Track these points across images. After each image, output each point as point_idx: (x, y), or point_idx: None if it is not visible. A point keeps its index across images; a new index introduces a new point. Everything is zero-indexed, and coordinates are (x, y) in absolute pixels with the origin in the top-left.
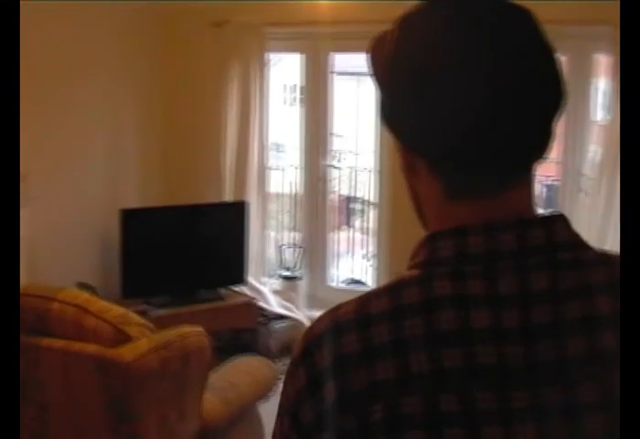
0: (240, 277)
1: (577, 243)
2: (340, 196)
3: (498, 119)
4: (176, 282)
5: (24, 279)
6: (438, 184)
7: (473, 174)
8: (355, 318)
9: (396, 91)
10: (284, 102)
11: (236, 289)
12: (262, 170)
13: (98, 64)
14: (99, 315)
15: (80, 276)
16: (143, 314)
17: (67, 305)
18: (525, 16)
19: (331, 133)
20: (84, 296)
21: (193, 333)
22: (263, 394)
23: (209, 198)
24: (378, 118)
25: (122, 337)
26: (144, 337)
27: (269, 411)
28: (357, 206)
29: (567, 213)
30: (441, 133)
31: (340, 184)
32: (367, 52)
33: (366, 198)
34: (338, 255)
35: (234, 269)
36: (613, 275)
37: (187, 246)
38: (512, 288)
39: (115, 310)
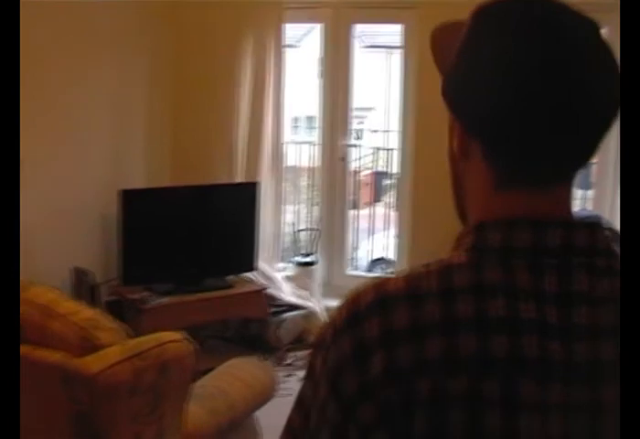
0: (249, 264)
1: (612, 251)
2: (368, 173)
3: (564, 111)
4: (181, 268)
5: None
6: (490, 171)
7: (528, 163)
8: (405, 295)
9: (468, 73)
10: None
11: (246, 277)
12: (278, 147)
13: (104, 34)
14: (65, 318)
15: (78, 261)
16: (143, 302)
17: (31, 305)
18: (595, 26)
19: (352, 109)
20: (50, 295)
21: (173, 339)
22: (260, 403)
23: (221, 178)
24: (441, 97)
25: (91, 344)
26: (115, 343)
27: (269, 418)
28: (387, 182)
29: None
30: (505, 117)
31: (361, 161)
32: (434, 36)
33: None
34: (370, 232)
35: (244, 255)
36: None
37: (193, 230)
38: (555, 286)
39: (84, 312)
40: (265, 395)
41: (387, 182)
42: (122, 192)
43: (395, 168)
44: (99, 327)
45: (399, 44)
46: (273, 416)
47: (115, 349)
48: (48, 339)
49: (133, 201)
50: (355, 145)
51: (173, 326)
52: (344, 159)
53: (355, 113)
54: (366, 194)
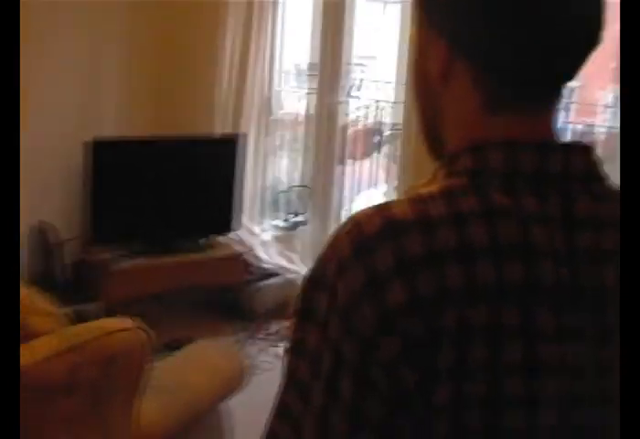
0: (227, 225)
1: (605, 176)
2: (363, 126)
3: (556, 27)
4: (152, 228)
5: None
6: (480, 94)
7: (523, 83)
8: (414, 220)
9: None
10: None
11: (227, 238)
12: (266, 98)
13: None
14: None
15: (43, 215)
16: (109, 264)
17: None
18: None
19: (349, 64)
20: None
21: (121, 327)
22: (226, 394)
23: (203, 130)
24: (425, 13)
25: (21, 334)
26: (51, 332)
27: (239, 409)
28: (381, 137)
29: None
30: (500, 33)
31: (358, 111)
32: None
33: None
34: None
35: (222, 215)
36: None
37: (167, 186)
38: (559, 210)
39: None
40: (232, 384)
41: (386, 133)
42: (91, 143)
43: (391, 120)
44: (32, 312)
45: None
46: (244, 407)
47: (49, 340)
48: None
49: (101, 152)
50: (354, 97)
51: (140, 290)
52: (339, 111)
53: (356, 61)
54: (360, 146)
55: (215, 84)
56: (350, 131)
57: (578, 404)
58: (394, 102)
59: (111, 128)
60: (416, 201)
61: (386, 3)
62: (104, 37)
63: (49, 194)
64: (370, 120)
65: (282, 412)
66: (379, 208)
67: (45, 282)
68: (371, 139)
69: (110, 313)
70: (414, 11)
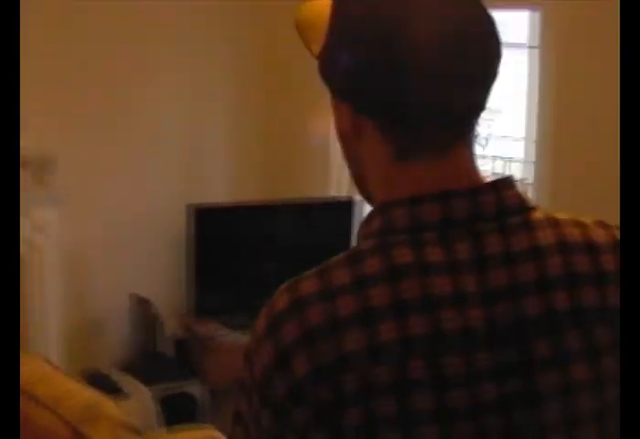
0: None
1: (525, 207)
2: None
3: (449, 74)
4: (261, 298)
5: (65, 293)
6: (387, 146)
7: (425, 128)
8: (317, 291)
9: (345, 50)
10: None
11: None
12: None
13: (179, 24)
14: (51, 408)
15: (136, 287)
16: (211, 338)
17: None
18: None
19: None
20: (37, 370)
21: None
22: None
23: (316, 193)
24: (325, 79)
25: None
26: None
27: None
28: None
29: None
30: (395, 90)
31: (484, 167)
32: (298, 19)
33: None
34: None
35: None
36: (561, 236)
37: (276, 254)
38: (469, 254)
39: (78, 396)
40: None
41: None
42: (193, 209)
43: (520, 176)
44: (95, 419)
45: (525, 40)
46: None
47: None
48: (32, 434)
49: (205, 219)
50: (480, 156)
51: None
52: None
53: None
54: None
55: (330, 142)
56: None
57: None
58: (524, 161)
59: (218, 191)
60: (322, 272)
61: (515, 49)
62: (208, 102)
63: (150, 263)
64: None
65: None
66: (289, 285)
67: (147, 357)
68: None
69: (215, 394)
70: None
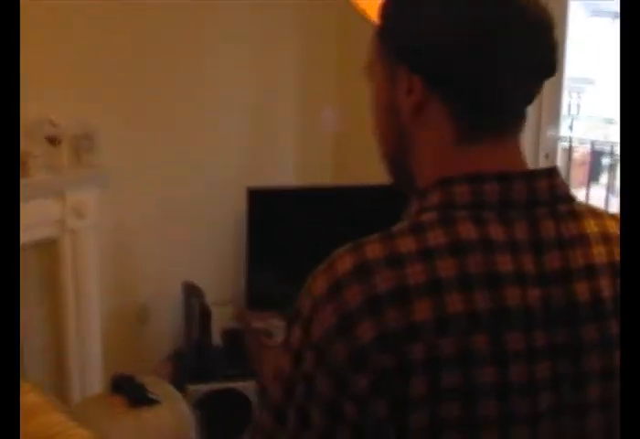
0: None
1: (571, 196)
2: (581, 153)
3: (522, 61)
4: None
5: (111, 280)
6: (451, 125)
7: (493, 113)
8: (384, 257)
9: (429, 22)
10: None
11: None
12: None
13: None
14: None
15: (190, 275)
16: (268, 334)
17: None
18: None
19: (563, 86)
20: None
21: None
22: None
23: (381, 179)
24: (397, 54)
25: None
26: None
27: None
28: (605, 161)
29: None
30: (476, 74)
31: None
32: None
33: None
34: None
35: None
36: (602, 227)
37: (340, 243)
38: (526, 235)
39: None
40: None
41: (605, 161)
42: (250, 191)
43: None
44: None
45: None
46: None
47: None
48: None
49: (266, 203)
50: (566, 138)
51: None
52: (548, 156)
53: (571, 84)
54: (580, 173)
55: None
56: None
57: (554, 418)
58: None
59: (287, 175)
60: (386, 238)
61: (615, 17)
62: (275, 77)
63: (204, 249)
64: (587, 147)
65: (259, 429)
66: (353, 248)
67: (197, 349)
68: (587, 168)
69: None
70: (373, 44)
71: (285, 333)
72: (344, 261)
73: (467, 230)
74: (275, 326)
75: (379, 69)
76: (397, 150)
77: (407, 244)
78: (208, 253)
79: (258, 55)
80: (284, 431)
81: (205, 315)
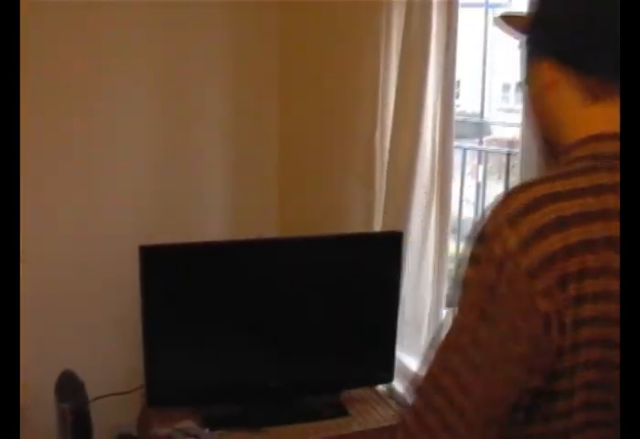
0: (385, 370)
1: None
2: None
3: (617, 31)
4: (255, 379)
5: None
6: (579, 92)
7: (608, 80)
8: (564, 191)
9: (560, 12)
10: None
11: (369, 393)
12: (447, 172)
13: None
14: None
15: (71, 362)
16: None
17: None
18: None
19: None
20: None
21: None
22: None
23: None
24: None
25: None
26: None
27: None
28: None
29: None
30: (597, 43)
31: None
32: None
33: None
34: None
35: (375, 354)
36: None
37: (279, 311)
38: (609, 180)
39: None
40: None
41: None
42: (143, 249)
43: None
44: None
45: None
46: None
47: None
48: None
49: (159, 263)
50: None
51: None
52: None
53: None
54: None
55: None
56: None
57: None
58: None
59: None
60: (548, 180)
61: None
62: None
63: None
64: None
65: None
66: (522, 188)
67: None
68: None
69: None
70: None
71: (473, 251)
72: (517, 198)
73: (601, 177)
74: (188, 429)
75: (535, 78)
76: (543, 124)
77: (565, 185)
78: (94, 332)
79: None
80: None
81: (80, 418)
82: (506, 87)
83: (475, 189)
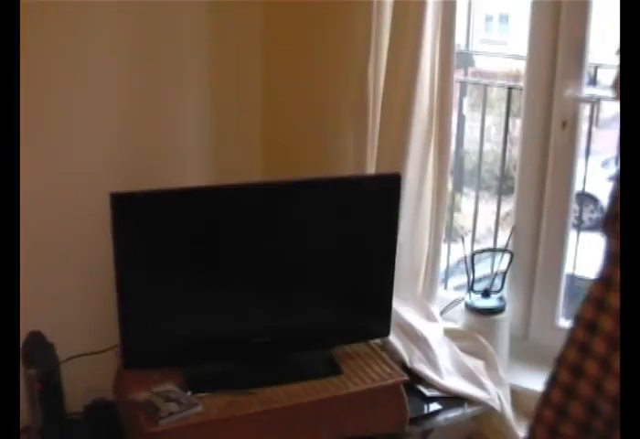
0: (381, 323)
1: None
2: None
3: None
4: (238, 335)
5: None
6: None
7: None
8: None
9: None
10: None
11: (363, 348)
12: (446, 108)
13: None
14: None
15: (38, 322)
16: (142, 416)
17: None
18: None
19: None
20: None
21: None
22: None
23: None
24: None
25: None
26: None
27: None
28: None
29: None
30: None
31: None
32: None
33: None
34: None
35: (369, 306)
36: None
37: (262, 260)
38: None
39: None
40: None
41: None
42: (113, 196)
43: None
44: None
45: None
46: None
47: None
48: None
49: (132, 212)
50: (593, 99)
51: None
52: (565, 124)
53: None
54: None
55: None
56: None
57: None
58: None
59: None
60: None
61: None
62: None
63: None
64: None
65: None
66: None
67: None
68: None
69: None
70: None
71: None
72: None
73: None
74: (168, 393)
75: None
76: None
77: None
78: (63, 289)
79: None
80: None
81: (49, 385)
82: (488, 18)
83: (457, 122)
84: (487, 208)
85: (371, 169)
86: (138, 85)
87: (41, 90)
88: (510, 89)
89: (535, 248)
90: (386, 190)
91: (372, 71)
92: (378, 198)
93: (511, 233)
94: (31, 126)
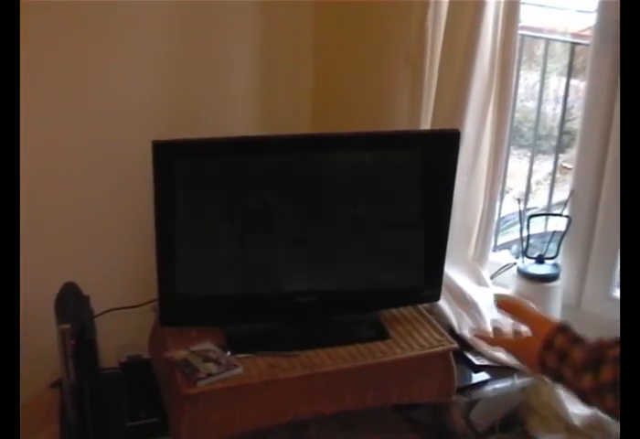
0: (432, 288)
1: None
2: None
3: None
4: (274, 299)
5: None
6: None
7: None
8: None
9: None
10: None
11: (411, 312)
12: (509, 62)
13: None
14: None
15: (74, 274)
16: (180, 377)
17: None
18: None
19: None
20: None
21: None
22: None
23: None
24: None
25: None
26: None
27: None
28: None
29: None
30: None
31: None
32: None
33: None
34: None
35: (420, 270)
36: None
37: (312, 220)
38: None
39: None
40: None
41: None
42: (155, 146)
43: None
44: None
45: None
46: None
47: None
48: None
49: (174, 162)
50: None
51: (255, 423)
52: None
53: None
54: None
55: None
56: None
57: None
58: None
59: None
60: None
61: None
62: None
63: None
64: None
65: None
66: None
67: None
68: None
69: None
70: None
71: None
72: None
73: None
74: (207, 352)
75: None
76: None
77: None
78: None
79: None
80: None
81: (83, 340)
82: None
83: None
84: (526, 167)
85: (425, 125)
86: (189, 26)
87: (88, 30)
88: (574, 44)
89: (594, 215)
90: (443, 147)
91: (432, 18)
92: (435, 156)
93: (569, 197)
94: (75, 68)
